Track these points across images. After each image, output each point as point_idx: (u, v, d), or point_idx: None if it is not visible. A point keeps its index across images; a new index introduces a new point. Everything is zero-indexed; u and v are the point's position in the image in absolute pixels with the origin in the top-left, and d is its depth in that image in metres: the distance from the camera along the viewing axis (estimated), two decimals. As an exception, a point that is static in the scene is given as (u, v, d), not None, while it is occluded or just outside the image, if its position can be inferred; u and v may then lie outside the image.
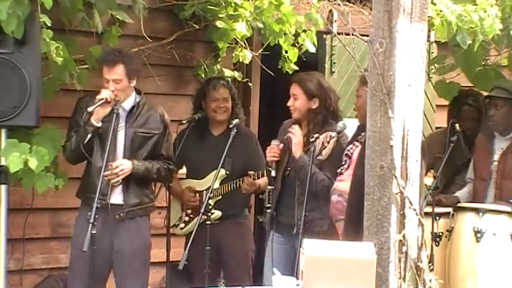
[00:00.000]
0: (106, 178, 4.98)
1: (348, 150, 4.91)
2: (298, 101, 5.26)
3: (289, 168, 5.25)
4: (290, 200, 5.18)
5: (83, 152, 5.07)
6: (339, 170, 4.87)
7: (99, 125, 5.04)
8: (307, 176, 4.94)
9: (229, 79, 6.25)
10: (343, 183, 4.81)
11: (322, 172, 5.06)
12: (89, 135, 5.03)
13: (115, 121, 5.04)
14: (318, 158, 4.89)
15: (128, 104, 5.18)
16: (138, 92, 5.26)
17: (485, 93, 5.78)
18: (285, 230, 5.23)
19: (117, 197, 5.13)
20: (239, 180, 5.56)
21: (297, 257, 4.95)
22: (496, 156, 5.46)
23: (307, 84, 5.27)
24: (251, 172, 5.49)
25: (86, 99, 5.18)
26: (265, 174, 5.42)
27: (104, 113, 5.05)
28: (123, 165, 5.08)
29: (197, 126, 5.72)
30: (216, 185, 5.49)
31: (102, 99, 5.00)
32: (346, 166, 4.86)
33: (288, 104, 5.29)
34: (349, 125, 5.07)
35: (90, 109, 4.99)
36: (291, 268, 4.76)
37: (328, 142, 4.90)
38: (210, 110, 5.69)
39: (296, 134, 5.20)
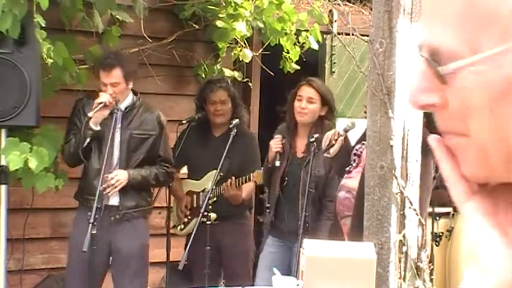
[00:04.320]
0: (104, 191, 4.94)
1: (357, 150, 4.90)
2: (313, 105, 5.20)
3: (286, 178, 5.23)
4: (290, 208, 5.16)
5: (81, 156, 5.06)
6: (347, 168, 4.86)
7: (98, 128, 5.02)
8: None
9: (229, 80, 6.13)
10: (351, 180, 4.80)
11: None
12: (88, 139, 5.02)
13: (113, 123, 5.02)
14: (325, 155, 4.87)
15: (124, 106, 5.15)
16: (135, 93, 5.23)
17: None
18: (282, 236, 5.25)
19: (113, 199, 5.09)
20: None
21: (293, 259, 5.00)
22: None
23: (324, 91, 5.25)
24: (232, 178, 5.46)
25: (83, 101, 5.15)
26: (249, 180, 5.42)
27: (103, 116, 5.01)
28: (118, 176, 5.03)
29: (199, 126, 5.70)
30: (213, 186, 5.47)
31: (101, 103, 4.96)
32: (355, 164, 4.86)
33: (302, 105, 5.18)
34: (357, 125, 5.05)
35: (90, 114, 4.96)
36: (287, 270, 4.78)
37: (336, 140, 4.88)
38: (210, 113, 5.68)
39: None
